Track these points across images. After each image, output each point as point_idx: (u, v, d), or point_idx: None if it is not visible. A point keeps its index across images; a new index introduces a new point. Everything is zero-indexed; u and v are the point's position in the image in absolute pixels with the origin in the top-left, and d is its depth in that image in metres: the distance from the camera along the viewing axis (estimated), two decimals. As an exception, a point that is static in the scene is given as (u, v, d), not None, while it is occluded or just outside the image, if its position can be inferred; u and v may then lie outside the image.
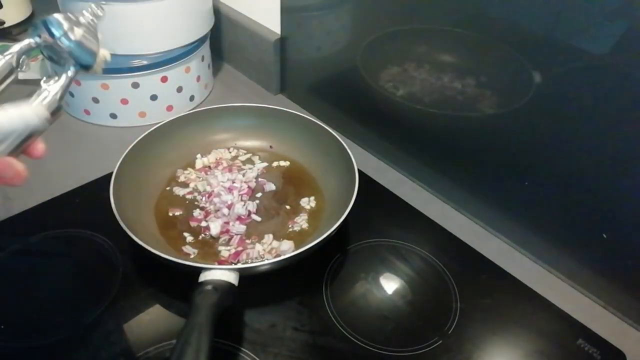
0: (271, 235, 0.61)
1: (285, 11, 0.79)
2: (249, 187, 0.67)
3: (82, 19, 0.39)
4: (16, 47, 0.38)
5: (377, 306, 0.56)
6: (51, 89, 0.37)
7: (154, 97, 0.77)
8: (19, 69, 0.38)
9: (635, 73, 0.47)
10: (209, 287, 0.47)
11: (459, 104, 0.63)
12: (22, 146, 0.36)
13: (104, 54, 0.40)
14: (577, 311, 0.56)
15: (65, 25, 0.38)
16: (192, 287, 0.48)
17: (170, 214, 0.63)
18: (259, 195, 0.66)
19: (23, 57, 0.38)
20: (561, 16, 0.49)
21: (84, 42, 0.39)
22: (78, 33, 0.38)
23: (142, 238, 0.52)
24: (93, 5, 0.40)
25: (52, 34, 0.38)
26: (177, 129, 0.69)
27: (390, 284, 0.58)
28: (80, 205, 0.64)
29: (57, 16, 0.38)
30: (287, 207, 0.65)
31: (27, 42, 0.38)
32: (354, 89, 0.75)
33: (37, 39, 0.38)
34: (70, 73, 0.39)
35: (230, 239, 0.60)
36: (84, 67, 0.39)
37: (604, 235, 0.55)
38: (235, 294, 0.49)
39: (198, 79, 0.82)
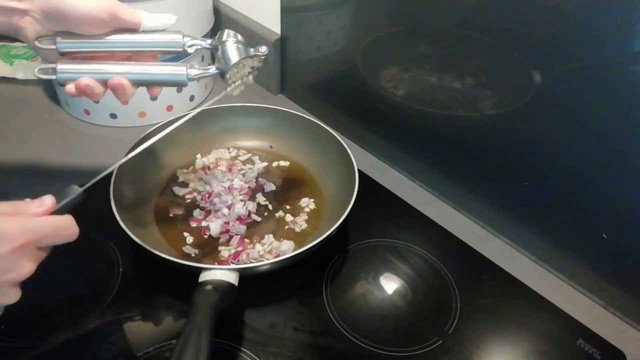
0: (271, 235, 0.61)
1: (285, 11, 0.79)
2: (249, 187, 0.67)
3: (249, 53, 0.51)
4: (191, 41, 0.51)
5: (377, 306, 0.56)
6: (199, 71, 0.51)
7: (153, 97, 0.77)
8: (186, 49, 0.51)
9: (635, 73, 0.47)
10: (209, 287, 0.47)
11: (459, 104, 0.63)
12: (162, 86, 0.53)
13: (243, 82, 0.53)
14: (577, 311, 0.56)
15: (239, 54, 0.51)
16: (192, 287, 0.48)
17: (170, 214, 0.63)
18: (259, 195, 0.66)
19: (190, 44, 0.51)
20: (561, 16, 0.49)
21: (237, 69, 0.51)
22: (237, 57, 0.51)
23: (142, 238, 0.52)
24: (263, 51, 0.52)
25: (229, 53, 0.51)
26: (177, 129, 0.69)
27: (390, 284, 0.58)
28: (80, 205, 0.64)
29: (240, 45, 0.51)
30: (287, 207, 0.65)
31: (207, 42, 0.52)
32: (354, 89, 0.75)
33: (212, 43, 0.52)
34: (212, 70, 0.51)
35: (230, 239, 0.60)
36: (222, 76, 0.52)
37: (604, 235, 0.55)
38: (235, 294, 0.49)
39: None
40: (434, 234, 0.64)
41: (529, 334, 0.54)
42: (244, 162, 0.71)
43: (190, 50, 0.51)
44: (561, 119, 0.53)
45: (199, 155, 0.71)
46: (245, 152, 0.72)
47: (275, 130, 0.72)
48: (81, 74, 0.48)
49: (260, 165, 0.70)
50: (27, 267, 0.38)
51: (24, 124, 0.78)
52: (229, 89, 0.52)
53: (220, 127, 0.72)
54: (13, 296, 0.39)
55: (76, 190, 0.43)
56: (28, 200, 0.41)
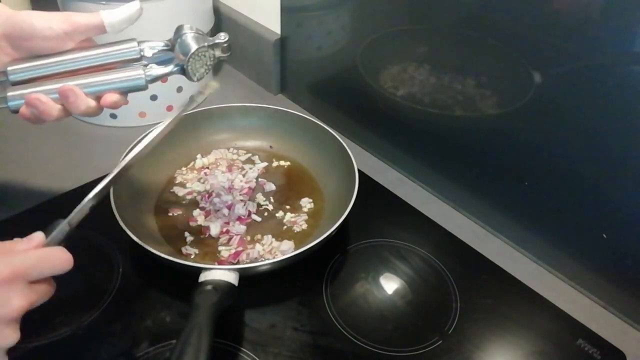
0: (271, 235, 0.61)
1: (285, 11, 0.79)
2: (249, 187, 0.67)
3: (209, 48, 0.50)
4: (148, 44, 0.50)
5: (377, 306, 0.56)
6: (157, 70, 0.49)
7: (154, 97, 0.77)
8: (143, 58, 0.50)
9: (635, 72, 0.47)
10: (209, 287, 0.47)
11: (459, 104, 0.63)
12: (124, 93, 0.49)
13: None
14: (577, 311, 0.56)
15: (197, 45, 0.49)
16: (192, 287, 0.48)
17: (170, 214, 0.63)
18: (259, 195, 0.66)
19: (147, 48, 0.49)
20: (561, 16, 0.49)
21: (198, 61, 0.50)
22: (197, 52, 0.49)
23: (142, 238, 0.52)
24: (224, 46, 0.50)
25: (188, 47, 0.49)
26: (177, 129, 0.69)
27: (390, 284, 0.58)
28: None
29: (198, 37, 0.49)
30: (287, 207, 0.65)
31: (160, 43, 0.50)
32: (354, 89, 0.75)
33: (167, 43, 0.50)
34: (172, 68, 0.50)
35: (230, 239, 0.60)
36: (183, 73, 0.50)
37: (604, 235, 0.55)
38: (235, 294, 0.49)
39: (198, 79, 0.82)
40: (434, 234, 0.64)
41: (529, 334, 0.54)
42: (244, 162, 0.71)
43: (147, 54, 0.49)
44: (561, 119, 0.53)
45: (199, 155, 0.71)
46: (245, 152, 0.72)
47: (275, 130, 0.72)
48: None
49: (260, 165, 0.70)
50: (16, 303, 0.36)
51: (24, 124, 0.78)
52: (196, 96, 0.50)
53: (220, 127, 0.72)
54: (9, 336, 0.36)
55: (61, 223, 0.42)
56: (17, 239, 0.39)
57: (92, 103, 0.47)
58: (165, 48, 0.50)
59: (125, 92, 0.49)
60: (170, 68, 0.50)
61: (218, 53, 0.50)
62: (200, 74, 0.51)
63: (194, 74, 0.50)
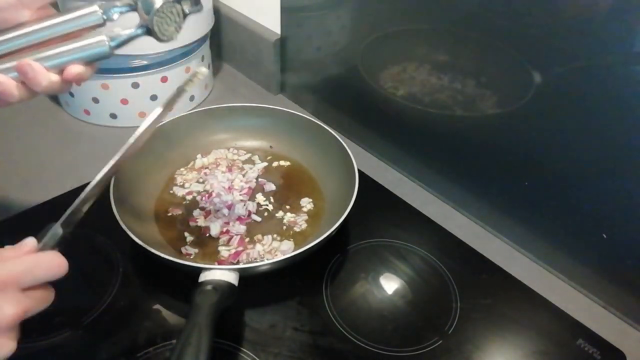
0: (271, 236, 0.61)
1: (285, 11, 0.79)
2: (249, 187, 0.67)
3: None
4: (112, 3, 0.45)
5: (377, 306, 0.56)
6: (120, 33, 0.45)
7: (153, 97, 0.77)
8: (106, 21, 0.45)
9: (636, 72, 0.47)
10: (209, 287, 0.47)
11: (459, 104, 0.63)
12: (88, 63, 0.45)
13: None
14: (577, 311, 0.56)
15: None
16: (192, 287, 0.48)
17: (170, 214, 0.63)
18: (259, 195, 0.66)
19: (112, 10, 0.45)
20: (561, 16, 0.49)
21: (164, 19, 0.45)
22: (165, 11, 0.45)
23: (142, 238, 0.52)
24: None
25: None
26: (177, 129, 0.69)
27: (390, 284, 0.58)
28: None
29: None
30: (287, 207, 0.65)
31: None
32: (354, 89, 0.75)
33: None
34: (137, 30, 0.45)
35: (230, 239, 0.60)
36: (149, 34, 0.46)
37: (604, 235, 0.55)
38: (235, 294, 0.49)
39: (198, 79, 0.82)
40: (434, 234, 0.64)
41: (529, 334, 0.54)
42: (244, 162, 0.71)
43: (114, 18, 0.45)
44: (561, 118, 0.53)
45: (199, 155, 0.71)
46: (245, 152, 0.72)
47: (275, 130, 0.72)
48: None
49: (260, 165, 0.70)
50: (8, 311, 0.34)
51: (24, 124, 0.78)
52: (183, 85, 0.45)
53: (220, 127, 0.72)
54: (4, 345, 0.35)
55: (54, 226, 0.40)
56: (8, 246, 0.38)
57: (54, 77, 0.43)
58: (130, 7, 0.45)
59: (90, 62, 0.45)
60: (134, 30, 0.45)
61: (187, 8, 0.46)
62: (170, 34, 0.46)
63: (162, 33, 0.45)
